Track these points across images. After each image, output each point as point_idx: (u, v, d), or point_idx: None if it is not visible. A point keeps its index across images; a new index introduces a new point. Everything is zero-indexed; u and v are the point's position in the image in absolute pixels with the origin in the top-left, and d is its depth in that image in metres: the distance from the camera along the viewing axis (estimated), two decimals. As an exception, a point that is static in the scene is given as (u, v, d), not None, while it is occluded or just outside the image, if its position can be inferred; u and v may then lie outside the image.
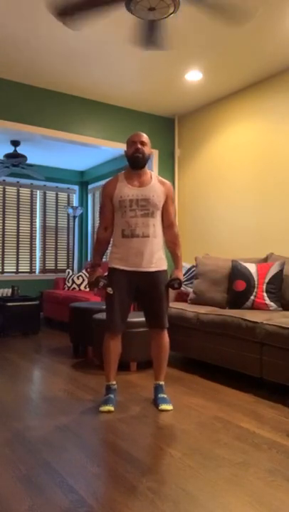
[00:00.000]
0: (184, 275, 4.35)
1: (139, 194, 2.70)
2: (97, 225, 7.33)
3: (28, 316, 5.35)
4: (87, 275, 2.79)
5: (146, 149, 2.76)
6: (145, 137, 2.78)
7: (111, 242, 2.85)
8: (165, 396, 2.76)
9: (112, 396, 2.73)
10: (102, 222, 2.85)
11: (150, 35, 2.99)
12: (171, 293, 4.30)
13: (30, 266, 7.13)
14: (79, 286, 6.30)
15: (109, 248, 2.86)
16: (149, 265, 2.70)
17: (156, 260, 2.73)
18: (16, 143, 5.82)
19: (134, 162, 2.75)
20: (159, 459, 1.99)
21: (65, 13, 2.81)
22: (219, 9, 2.92)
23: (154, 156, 5.33)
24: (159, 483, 1.77)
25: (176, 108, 5.25)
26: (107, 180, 2.88)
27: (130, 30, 3.39)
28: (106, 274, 2.79)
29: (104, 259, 3.00)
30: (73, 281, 6.33)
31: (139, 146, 2.73)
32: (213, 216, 4.98)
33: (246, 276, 3.59)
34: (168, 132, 5.50)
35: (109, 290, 2.71)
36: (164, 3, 2.53)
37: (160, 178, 2.84)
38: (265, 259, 3.90)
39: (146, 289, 2.74)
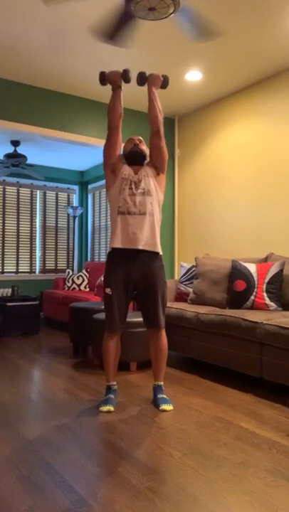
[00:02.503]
0: (184, 275, 4.35)
1: (137, 177, 2.77)
2: (97, 225, 7.33)
3: (28, 316, 5.35)
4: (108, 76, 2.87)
5: (144, 147, 2.87)
6: (141, 138, 2.92)
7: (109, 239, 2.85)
8: (165, 396, 2.76)
9: (112, 396, 2.73)
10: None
11: (118, 29, 2.97)
12: (171, 293, 4.30)
13: (30, 266, 7.13)
14: (79, 286, 6.30)
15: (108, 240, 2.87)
16: (145, 244, 2.70)
17: (153, 242, 2.73)
18: (16, 143, 5.82)
19: (133, 157, 2.82)
20: (159, 459, 1.99)
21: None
22: (198, 26, 3.02)
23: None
24: (159, 483, 1.77)
25: (176, 108, 5.25)
26: None
27: (131, 31, 3.38)
28: (103, 275, 2.79)
29: (101, 260, 3.00)
30: (73, 281, 6.33)
31: (137, 142, 2.86)
32: (213, 216, 4.98)
33: (246, 276, 3.59)
34: (168, 132, 5.49)
35: (108, 290, 2.72)
36: (164, 3, 2.53)
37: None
38: (265, 259, 3.90)
39: (143, 288, 2.74)
